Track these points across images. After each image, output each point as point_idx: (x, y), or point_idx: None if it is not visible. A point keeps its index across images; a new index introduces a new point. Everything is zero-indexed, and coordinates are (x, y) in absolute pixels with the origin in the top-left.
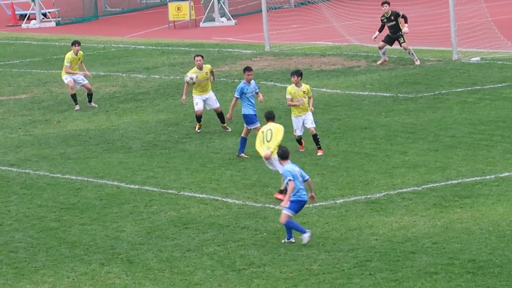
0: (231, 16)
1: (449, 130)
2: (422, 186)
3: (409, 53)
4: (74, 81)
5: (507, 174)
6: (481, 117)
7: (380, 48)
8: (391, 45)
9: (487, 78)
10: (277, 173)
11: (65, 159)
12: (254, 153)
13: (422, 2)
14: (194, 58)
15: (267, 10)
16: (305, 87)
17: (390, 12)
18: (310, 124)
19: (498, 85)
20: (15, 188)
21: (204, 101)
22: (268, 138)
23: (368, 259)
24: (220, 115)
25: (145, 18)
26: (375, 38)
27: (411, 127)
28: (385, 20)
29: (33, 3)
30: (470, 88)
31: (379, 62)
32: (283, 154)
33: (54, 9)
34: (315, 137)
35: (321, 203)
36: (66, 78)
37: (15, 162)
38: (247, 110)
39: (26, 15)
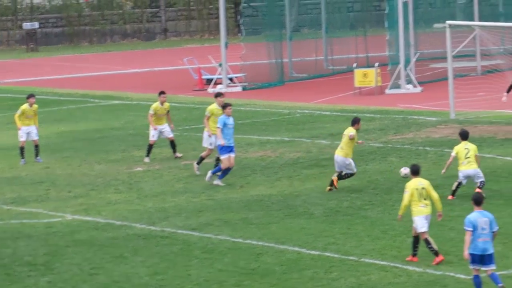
0: (417, 83)
1: None
2: None
3: None
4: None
5: None
6: None
7: None
8: None
9: None
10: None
11: (247, 224)
12: (436, 221)
13: None
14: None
15: (454, 78)
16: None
17: None
18: None
19: None
20: (196, 252)
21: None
22: (424, 196)
23: None
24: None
25: (331, 84)
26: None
27: None
28: None
29: (220, 68)
30: None
31: None
32: (477, 200)
33: (240, 74)
34: None
35: (502, 272)
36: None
37: (196, 226)
38: None
39: (212, 79)
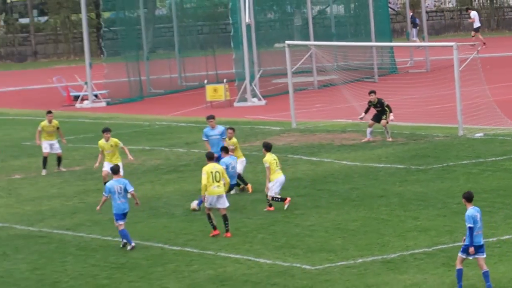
0: (262, 96)
1: (456, 198)
2: (432, 248)
3: (385, 130)
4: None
5: (508, 237)
6: (484, 186)
7: (370, 126)
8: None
9: (490, 151)
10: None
11: None
12: (283, 218)
13: (431, 84)
14: (227, 130)
15: (294, 92)
16: None
17: (377, 100)
18: None
19: (499, 158)
20: (71, 249)
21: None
22: (217, 178)
23: None
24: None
25: (185, 99)
26: (361, 118)
27: (422, 195)
28: (372, 106)
29: (86, 85)
30: (474, 161)
31: (364, 140)
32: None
33: (104, 91)
34: None
35: (342, 263)
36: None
37: (70, 226)
38: None
39: (79, 96)
